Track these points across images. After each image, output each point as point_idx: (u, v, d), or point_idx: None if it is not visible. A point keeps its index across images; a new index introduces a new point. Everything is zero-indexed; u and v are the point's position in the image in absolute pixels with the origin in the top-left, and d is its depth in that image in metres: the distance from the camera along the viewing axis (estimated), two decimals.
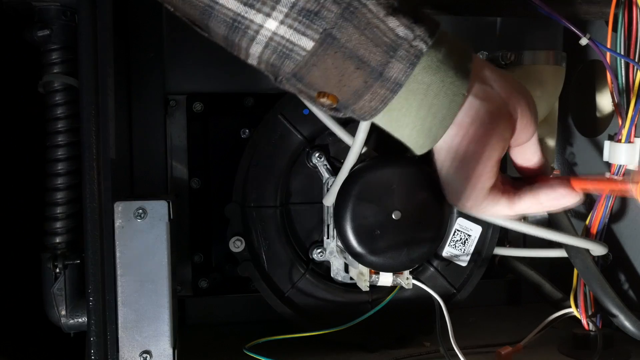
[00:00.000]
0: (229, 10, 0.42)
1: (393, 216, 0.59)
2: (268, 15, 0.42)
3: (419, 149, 0.49)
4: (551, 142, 0.76)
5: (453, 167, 0.50)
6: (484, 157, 0.50)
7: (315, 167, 0.68)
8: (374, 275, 0.62)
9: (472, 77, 0.47)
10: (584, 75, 0.78)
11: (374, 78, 0.44)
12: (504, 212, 0.55)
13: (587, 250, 0.66)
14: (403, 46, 0.43)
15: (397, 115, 0.46)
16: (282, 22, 0.42)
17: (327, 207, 0.67)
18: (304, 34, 0.42)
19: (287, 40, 0.42)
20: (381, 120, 0.48)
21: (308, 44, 0.42)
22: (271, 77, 0.47)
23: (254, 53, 0.44)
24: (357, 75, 0.44)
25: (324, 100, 0.46)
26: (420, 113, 0.46)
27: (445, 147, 0.49)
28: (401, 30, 0.43)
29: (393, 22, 0.43)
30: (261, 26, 0.42)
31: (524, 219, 0.63)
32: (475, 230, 0.69)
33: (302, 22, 0.42)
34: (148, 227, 0.53)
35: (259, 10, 0.42)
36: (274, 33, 0.42)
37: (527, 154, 0.55)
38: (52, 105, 0.56)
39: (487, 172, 0.51)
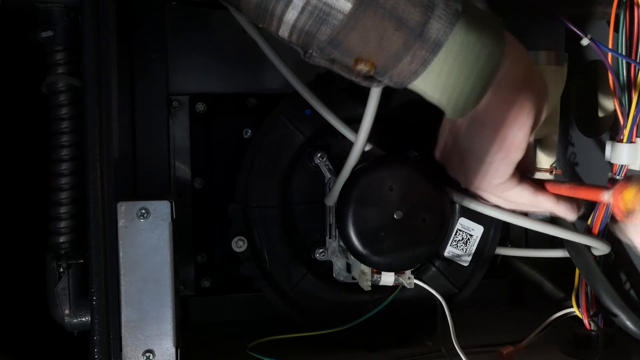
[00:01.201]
0: None
1: (395, 216, 0.59)
2: None
3: (458, 113, 0.47)
4: (553, 142, 0.76)
5: (485, 135, 0.49)
6: (520, 124, 0.49)
7: (317, 167, 0.68)
8: (375, 275, 0.63)
9: (505, 37, 0.46)
10: (585, 76, 0.78)
11: (414, 39, 0.43)
12: (527, 199, 0.55)
13: (589, 250, 0.66)
14: (440, 5, 0.42)
15: (436, 78, 0.45)
16: None
17: (329, 207, 0.67)
18: None
19: (324, 3, 0.41)
20: (419, 85, 0.46)
21: (346, 5, 0.41)
22: (300, 51, 0.46)
23: (289, 20, 0.43)
24: (396, 37, 0.42)
25: (361, 67, 0.44)
26: (461, 74, 0.45)
27: (480, 111, 0.48)
28: None
29: None
30: None
31: (526, 214, 0.64)
32: (477, 230, 0.69)
33: None
34: (151, 227, 0.53)
35: None
36: None
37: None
38: (55, 106, 0.56)
39: (520, 143, 0.50)
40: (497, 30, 0.46)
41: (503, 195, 0.56)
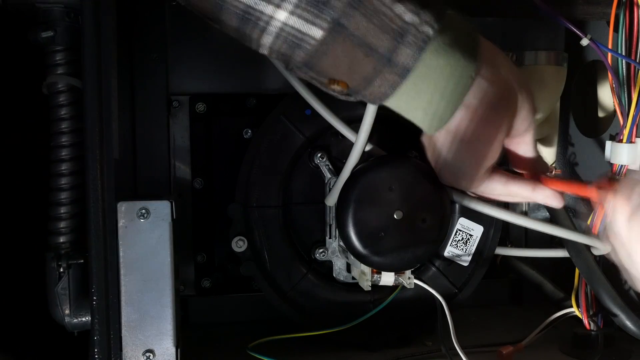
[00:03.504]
0: (240, 3, 0.43)
1: (395, 216, 0.59)
2: (278, 6, 0.43)
3: (429, 130, 0.50)
4: (552, 142, 0.76)
5: (457, 148, 0.51)
6: (490, 138, 0.51)
7: (317, 167, 0.68)
8: (375, 275, 0.63)
9: (480, 59, 0.48)
10: (585, 76, 0.78)
11: (383, 64, 0.45)
12: (498, 190, 0.56)
13: (589, 250, 0.66)
14: (410, 31, 0.44)
15: (407, 99, 0.47)
16: (291, 13, 0.43)
17: (329, 207, 0.67)
18: (313, 23, 0.43)
19: (297, 30, 0.43)
20: (391, 104, 0.48)
21: (318, 33, 0.43)
22: (283, 65, 0.48)
23: (265, 43, 0.45)
24: (366, 62, 0.44)
25: (335, 86, 0.47)
26: (429, 96, 0.47)
27: (452, 128, 0.50)
28: (408, 16, 0.44)
29: (399, 8, 0.44)
30: (271, 17, 0.43)
31: (526, 214, 0.64)
32: (477, 230, 0.69)
33: (311, 11, 0.42)
34: (151, 227, 0.53)
35: (269, 2, 0.43)
36: (284, 23, 0.43)
37: (522, 148, 0.56)
38: (56, 106, 0.56)
39: (491, 153, 0.52)
40: (470, 50, 0.47)
41: (475, 191, 0.57)
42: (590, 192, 0.56)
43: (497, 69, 0.50)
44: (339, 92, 0.48)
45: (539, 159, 0.58)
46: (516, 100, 0.51)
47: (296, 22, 0.43)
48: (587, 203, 0.73)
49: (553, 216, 0.68)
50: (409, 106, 0.48)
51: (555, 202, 0.58)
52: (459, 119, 0.49)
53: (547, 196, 0.57)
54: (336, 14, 0.43)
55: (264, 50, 0.46)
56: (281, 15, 0.43)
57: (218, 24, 0.47)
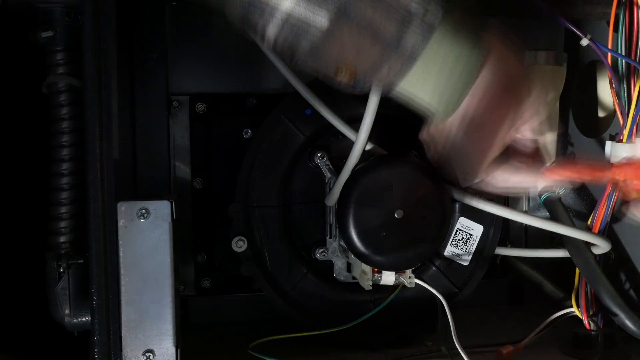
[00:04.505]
0: None
1: (396, 215, 0.59)
2: None
3: (438, 118, 0.50)
4: (552, 142, 0.76)
5: (464, 136, 0.51)
6: (498, 126, 0.51)
7: (317, 166, 0.68)
8: (376, 274, 0.63)
9: (488, 45, 0.48)
10: (585, 76, 0.78)
11: (390, 51, 0.45)
12: (503, 181, 0.56)
13: (589, 250, 0.66)
14: (416, 18, 0.44)
15: (415, 84, 0.47)
16: (296, 3, 0.43)
17: (330, 207, 0.67)
18: (318, 12, 0.43)
19: (302, 19, 0.43)
20: (400, 90, 0.48)
21: (323, 21, 0.43)
22: (287, 57, 0.48)
23: (270, 34, 0.45)
24: (373, 50, 0.45)
25: (341, 77, 0.46)
26: (439, 82, 0.47)
27: (459, 115, 0.50)
28: (412, 5, 0.44)
29: None
30: (276, 7, 0.43)
31: (526, 213, 0.64)
32: (477, 230, 0.69)
33: (316, 0, 0.43)
34: (151, 227, 0.53)
35: None
36: (289, 14, 0.43)
37: (525, 137, 0.56)
38: (56, 106, 0.56)
39: (498, 142, 0.52)
40: (476, 40, 0.47)
41: (480, 183, 0.57)
42: (604, 170, 0.56)
43: (503, 55, 0.50)
44: (346, 82, 0.47)
45: (540, 150, 0.58)
46: (522, 87, 0.51)
47: (301, 12, 0.43)
48: (588, 202, 0.73)
49: (553, 215, 0.68)
50: (417, 93, 0.48)
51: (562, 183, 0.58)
52: (467, 105, 0.49)
53: (551, 183, 0.58)
54: (341, 2, 0.43)
55: (269, 42, 0.46)
56: (286, 5, 0.43)
57: (221, 13, 0.46)
